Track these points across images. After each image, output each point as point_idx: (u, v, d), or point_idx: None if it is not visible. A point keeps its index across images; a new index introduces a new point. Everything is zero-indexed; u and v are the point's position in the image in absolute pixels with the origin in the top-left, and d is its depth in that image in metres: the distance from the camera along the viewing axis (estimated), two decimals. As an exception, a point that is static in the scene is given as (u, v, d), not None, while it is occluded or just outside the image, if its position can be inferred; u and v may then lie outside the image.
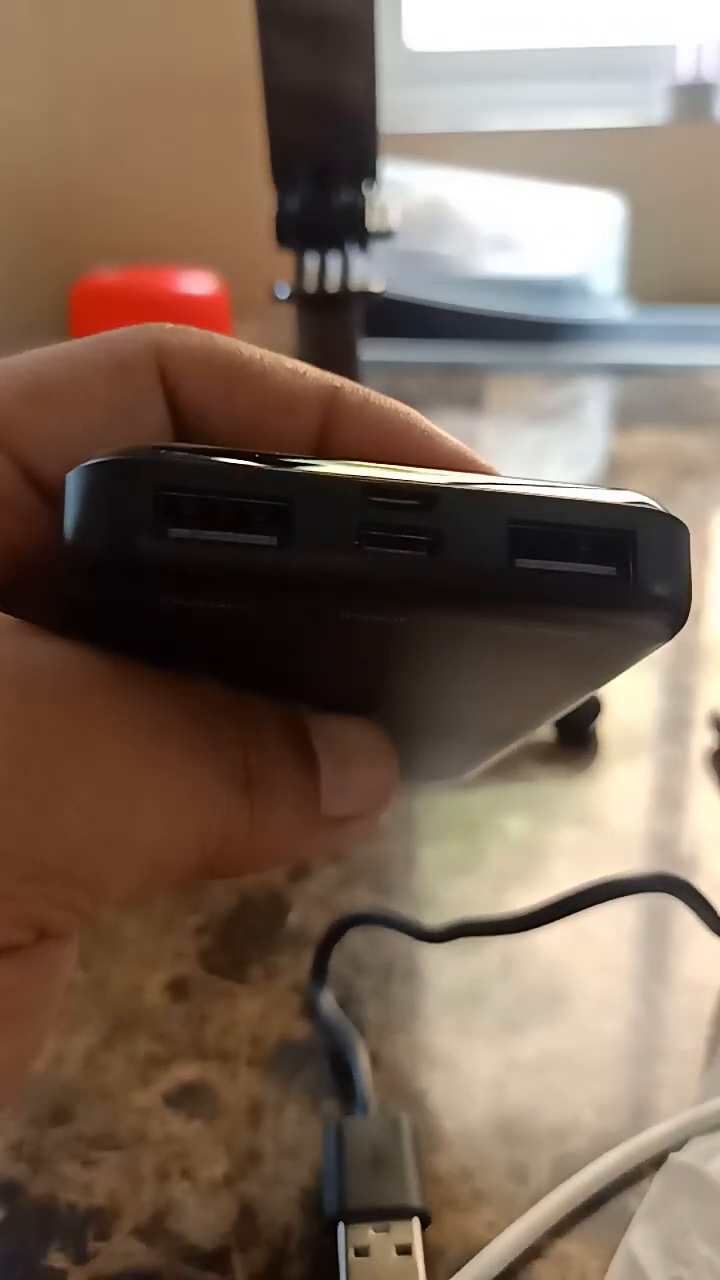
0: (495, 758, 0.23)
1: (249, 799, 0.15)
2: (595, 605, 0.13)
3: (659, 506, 0.13)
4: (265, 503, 0.12)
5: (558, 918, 0.27)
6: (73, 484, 0.13)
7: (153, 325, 0.16)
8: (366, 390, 0.16)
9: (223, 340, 0.16)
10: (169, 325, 0.16)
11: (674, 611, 0.13)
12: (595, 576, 0.13)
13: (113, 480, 0.12)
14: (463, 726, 0.20)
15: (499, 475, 0.14)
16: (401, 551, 0.13)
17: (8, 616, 0.14)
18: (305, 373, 0.16)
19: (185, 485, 0.12)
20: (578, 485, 0.14)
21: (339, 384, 0.16)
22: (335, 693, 0.16)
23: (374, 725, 0.17)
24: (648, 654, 0.15)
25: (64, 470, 0.15)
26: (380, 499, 0.13)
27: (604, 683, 0.17)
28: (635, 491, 0.14)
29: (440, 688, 0.17)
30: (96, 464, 0.13)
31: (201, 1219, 0.23)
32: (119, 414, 0.16)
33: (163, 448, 0.13)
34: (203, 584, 0.12)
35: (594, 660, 0.15)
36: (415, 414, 0.16)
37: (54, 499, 0.15)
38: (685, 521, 0.14)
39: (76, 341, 0.16)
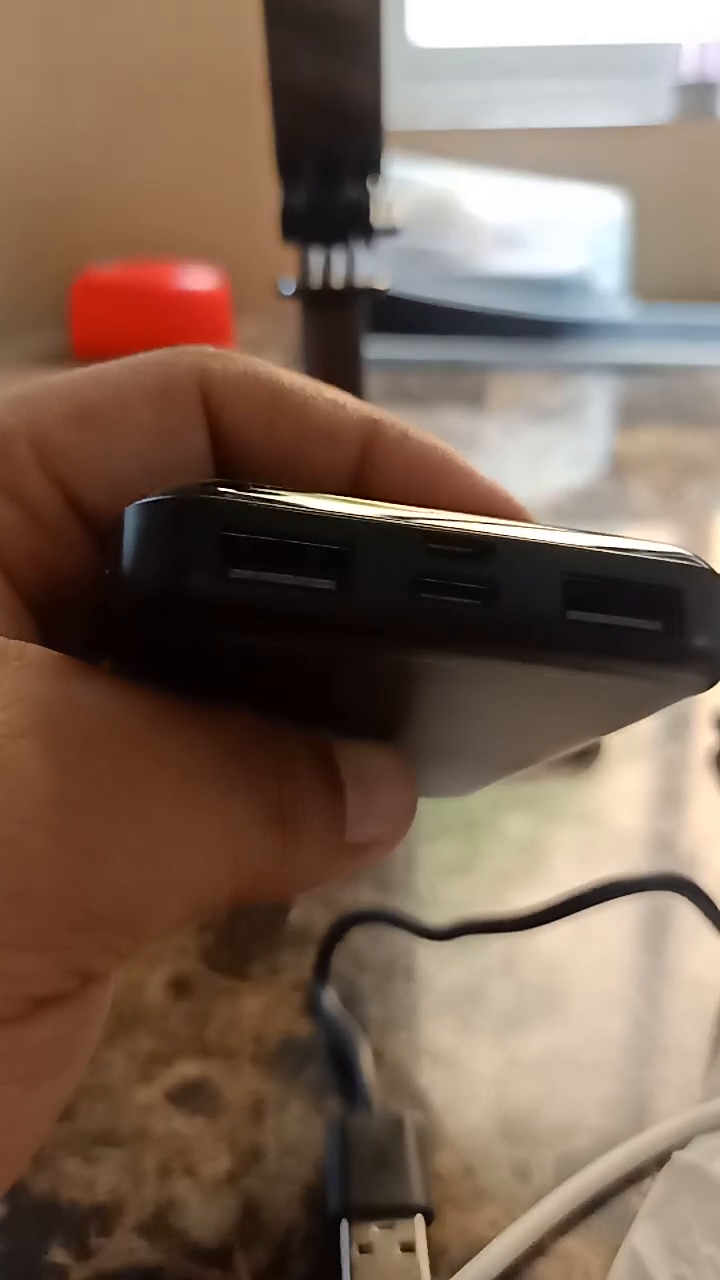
0: (506, 780, 0.23)
1: (282, 831, 0.15)
2: (642, 658, 0.13)
3: (702, 563, 0.14)
4: (326, 547, 0.13)
5: (562, 916, 0.27)
6: (132, 519, 0.13)
7: (194, 348, 0.16)
8: (405, 425, 0.17)
9: (265, 367, 0.16)
10: (211, 349, 0.16)
11: (715, 665, 0.14)
12: (643, 631, 0.13)
13: (176, 519, 0.12)
14: (482, 752, 0.20)
15: (547, 524, 0.14)
16: (457, 599, 0.13)
17: (51, 653, 0.14)
18: (346, 404, 0.16)
19: (248, 527, 0.12)
20: (624, 537, 0.14)
21: (379, 417, 0.16)
22: (363, 719, 0.16)
23: (396, 750, 0.17)
24: (678, 700, 0.15)
25: (105, 494, 0.15)
26: (438, 547, 0.13)
27: (631, 723, 0.17)
28: (677, 545, 0.14)
29: (470, 719, 0.17)
30: (158, 501, 0.13)
31: (204, 1216, 0.23)
32: (162, 439, 0.16)
33: (220, 485, 0.13)
34: (259, 624, 0.12)
35: (626, 704, 0.16)
36: (451, 450, 0.17)
37: (94, 524, 0.15)
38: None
39: (119, 362, 0.16)
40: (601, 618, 0.13)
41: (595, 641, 0.13)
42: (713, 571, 0.14)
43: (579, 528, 0.14)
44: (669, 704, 0.15)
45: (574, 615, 0.13)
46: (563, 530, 0.14)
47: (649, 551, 0.14)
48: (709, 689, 0.14)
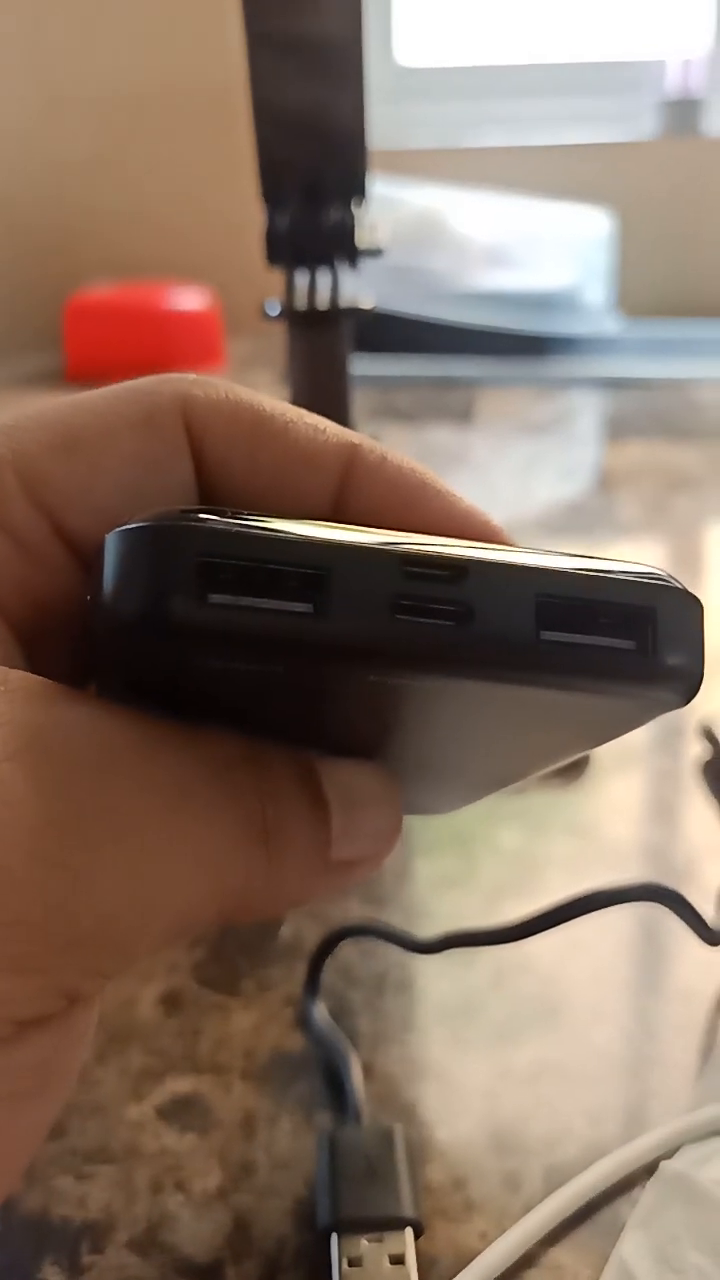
0: (492, 796, 0.23)
1: (267, 851, 0.15)
2: (616, 677, 0.14)
3: (676, 583, 0.14)
4: (303, 571, 0.13)
5: (548, 927, 0.27)
6: (112, 546, 0.13)
7: (177, 376, 0.16)
8: (384, 449, 0.17)
9: (246, 394, 0.16)
10: (193, 376, 0.17)
11: (689, 683, 0.14)
12: (617, 650, 0.14)
13: (154, 545, 0.13)
14: (466, 769, 0.20)
15: (521, 546, 0.15)
16: (432, 621, 0.13)
17: (37, 679, 0.14)
18: (326, 429, 0.17)
19: (225, 552, 0.13)
20: (598, 558, 0.14)
21: (358, 442, 0.17)
22: (346, 738, 0.17)
23: (380, 768, 0.17)
24: (656, 717, 0.15)
25: (90, 522, 0.15)
26: (413, 569, 0.13)
27: (611, 739, 0.17)
28: (652, 565, 0.14)
29: (451, 738, 0.17)
30: (137, 528, 0.13)
31: (195, 1231, 0.23)
32: (145, 466, 0.16)
33: (200, 512, 0.13)
34: (238, 648, 0.13)
35: (605, 721, 0.16)
36: (430, 473, 0.17)
37: (79, 551, 0.16)
38: (700, 597, 0.14)
39: (103, 391, 0.16)
40: (575, 638, 0.13)
41: (569, 661, 0.14)
42: (685, 591, 0.14)
43: (556, 549, 0.14)
44: (647, 720, 0.16)
45: (548, 635, 0.13)
46: (538, 552, 0.14)
47: (622, 572, 0.14)
48: (685, 705, 0.14)
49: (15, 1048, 0.13)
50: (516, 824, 0.37)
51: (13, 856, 0.12)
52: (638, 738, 0.42)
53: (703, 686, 0.14)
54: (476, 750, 0.19)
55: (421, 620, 0.13)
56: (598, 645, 0.14)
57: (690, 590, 0.14)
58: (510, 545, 0.15)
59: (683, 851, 0.36)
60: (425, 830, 0.37)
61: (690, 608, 0.14)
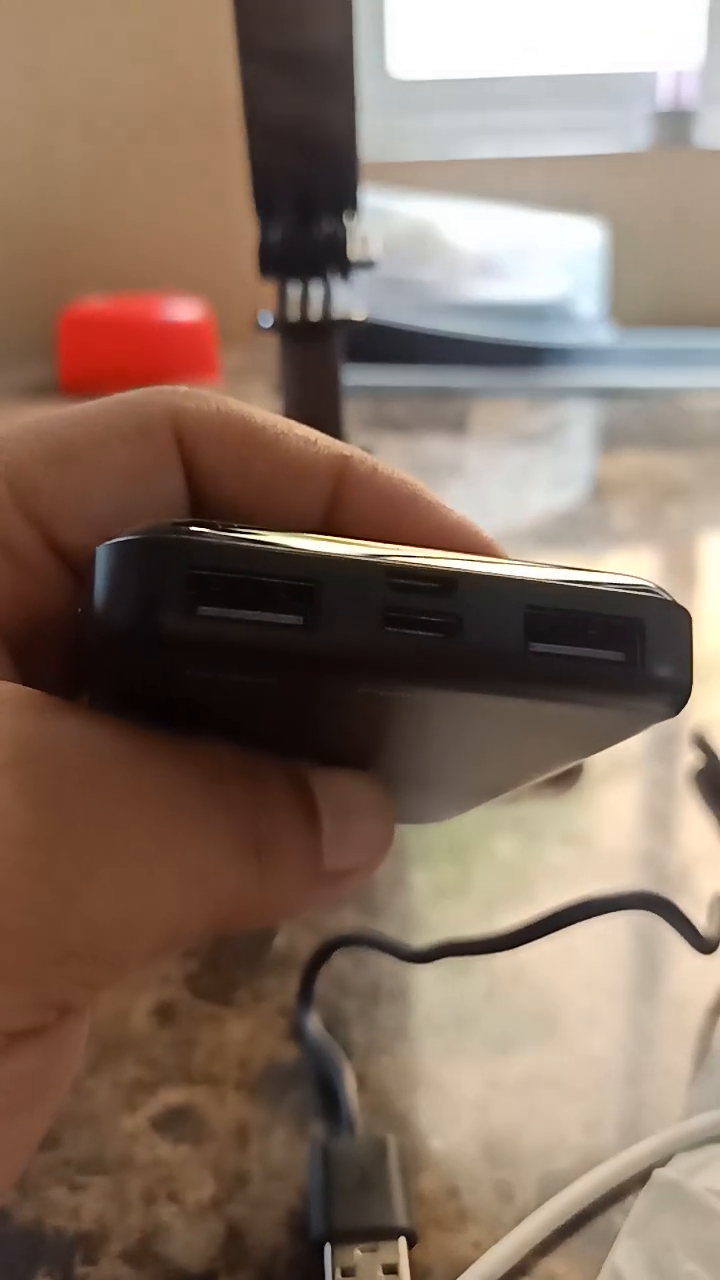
0: (483, 806, 0.23)
1: (258, 861, 0.15)
2: (605, 688, 0.14)
3: (664, 594, 0.14)
4: (292, 583, 0.13)
5: (540, 936, 0.27)
6: (103, 559, 0.13)
7: (169, 389, 0.16)
8: (375, 460, 0.17)
9: (237, 406, 0.17)
10: (185, 389, 0.17)
11: (678, 694, 0.14)
12: (605, 661, 0.14)
13: (144, 558, 0.13)
14: (458, 779, 0.21)
15: (511, 558, 0.15)
16: (421, 633, 0.13)
17: (28, 690, 0.14)
18: (317, 441, 0.17)
19: (215, 565, 0.13)
20: (587, 570, 0.14)
21: (349, 453, 0.17)
22: (337, 748, 0.17)
23: (372, 778, 0.17)
24: (647, 727, 0.15)
25: (83, 534, 0.15)
26: (402, 581, 0.13)
27: (602, 749, 0.17)
28: (640, 577, 0.14)
29: (442, 748, 0.17)
30: (127, 540, 0.13)
31: (189, 1242, 0.23)
32: (137, 478, 0.16)
33: (190, 524, 0.13)
34: (228, 660, 0.13)
35: (596, 731, 0.16)
36: (421, 485, 0.17)
37: (72, 563, 0.16)
38: (688, 609, 0.14)
39: (95, 403, 0.16)
40: (564, 649, 0.14)
41: (558, 673, 0.14)
42: (673, 602, 0.14)
43: (545, 561, 0.14)
44: (638, 730, 0.16)
45: (536, 647, 0.13)
46: (527, 564, 0.14)
47: (610, 584, 0.14)
48: (674, 715, 0.15)
49: (6, 1059, 0.14)
50: (511, 833, 0.37)
51: (2, 868, 0.12)
52: (632, 746, 0.43)
53: (692, 696, 0.14)
54: (468, 760, 0.19)
55: (411, 632, 0.13)
56: (586, 657, 0.14)
57: (678, 601, 0.14)
58: (500, 557, 0.15)
59: (677, 860, 0.36)
60: (420, 840, 0.37)
61: (678, 619, 0.14)
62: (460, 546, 0.16)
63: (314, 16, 0.42)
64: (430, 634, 0.13)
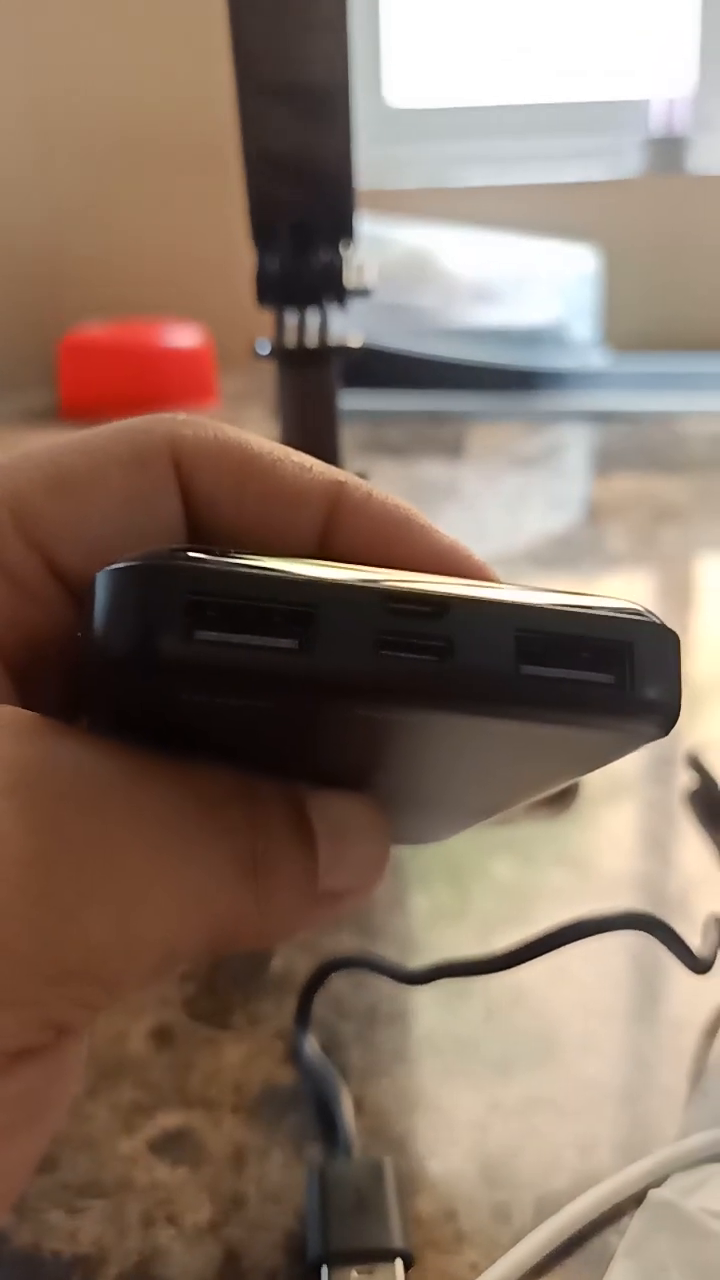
0: (480, 825, 0.23)
1: (255, 883, 0.15)
2: (595, 710, 0.14)
3: (653, 618, 0.15)
4: (288, 608, 0.13)
5: (534, 956, 0.27)
6: (102, 585, 0.13)
7: (167, 416, 0.17)
8: (369, 486, 0.17)
9: (234, 433, 0.17)
10: (182, 417, 0.17)
11: (666, 715, 0.14)
12: (595, 683, 0.14)
13: (143, 583, 0.13)
14: (453, 799, 0.21)
15: (501, 582, 0.15)
16: (414, 656, 0.13)
17: (29, 714, 0.14)
18: (312, 467, 0.17)
19: (212, 590, 0.13)
20: (577, 594, 0.15)
21: (343, 479, 0.17)
22: (333, 770, 0.17)
23: (368, 800, 0.17)
24: (637, 748, 0.16)
25: (83, 559, 0.16)
26: (395, 606, 0.14)
27: (593, 770, 0.17)
28: (630, 601, 0.15)
29: (436, 769, 0.18)
30: (126, 566, 0.13)
31: (187, 1264, 0.23)
32: (136, 504, 0.16)
33: (188, 550, 0.13)
34: (225, 683, 0.13)
35: (587, 752, 0.16)
36: (413, 510, 0.17)
37: (72, 587, 0.16)
38: (676, 631, 0.15)
39: (94, 431, 0.17)
40: (554, 672, 0.14)
41: (548, 695, 0.14)
42: (662, 625, 0.15)
43: (537, 585, 0.15)
44: (629, 751, 0.16)
45: (527, 670, 0.14)
46: (519, 588, 0.14)
47: (601, 608, 0.14)
48: (664, 736, 0.15)
49: (5, 1079, 0.14)
50: (509, 855, 0.37)
51: (1, 889, 0.13)
52: (628, 767, 0.43)
53: (686, 717, 0.15)
54: (462, 781, 0.19)
55: (404, 655, 0.13)
56: (576, 679, 0.14)
57: (667, 625, 0.15)
58: (492, 581, 0.15)
59: (674, 881, 0.36)
60: (417, 862, 0.37)
61: (667, 642, 0.14)
62: (453, 570, 0.16)
63: (311, 49, 0.43)
64: (423, 657, 0.13)
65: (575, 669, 0.14)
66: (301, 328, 0.44)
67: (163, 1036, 0.29)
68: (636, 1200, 0.23)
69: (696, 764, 0.41)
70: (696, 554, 0.68)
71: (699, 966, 0.28)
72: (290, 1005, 0.30)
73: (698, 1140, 0.25)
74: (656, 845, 0.38)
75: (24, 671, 0.16)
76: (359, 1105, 0.27)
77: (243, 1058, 0.28)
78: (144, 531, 0.16)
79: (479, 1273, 0.22)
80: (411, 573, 0.14)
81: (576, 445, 0.99)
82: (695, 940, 0.28)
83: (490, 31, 1.45)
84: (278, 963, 0.32)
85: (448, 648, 0.14)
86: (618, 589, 0.62)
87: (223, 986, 0.31)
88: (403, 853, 0.38)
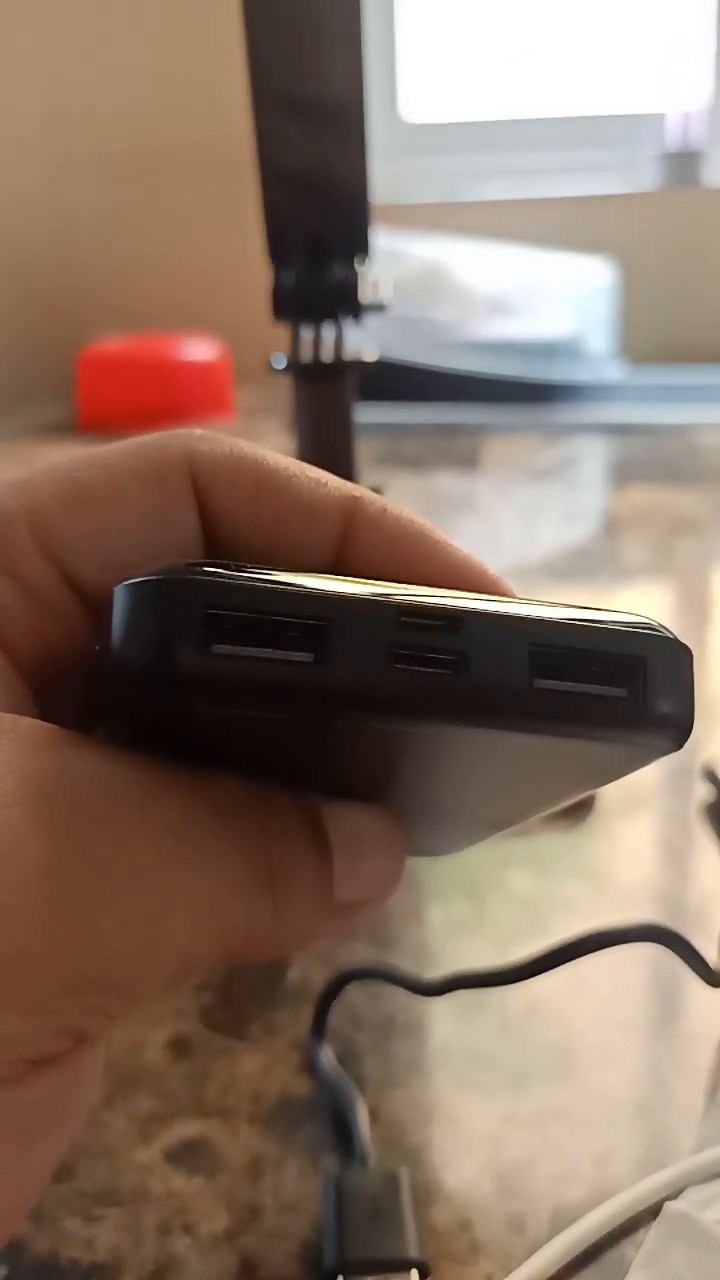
0: (494, 837, 0.23)
1: (271, 893, 0.15)
2: (608, 724, 0.14)
3: (667, 632, 0.15)
4: (304, 621, 0.13)
5: (549, 968, 0.27)
6: (120, 599, 0.14)
7: (184, 432, 0.17)
8: (384, 501, 0.17)
9: (250, 449, 0.17)
10: (199, 432, 0.17)
11: (679, 729, 0.15)
12: (608, 697, 0.14)
13: (160, 597, 0.13)
14: (467, 812, 0.21)
15: (516, 596, 0.15)
16: (428, 670, 0.14)
17: (47, 725, 0.14)
18: (328, 483, 0.17)
19: (229, 604, 0.13)
20: (591, 608, 0.15)
21: (358, 494, 0.17)
22: (348, 782, 0.17)
23: (382, 811, 0.17)
24: (650, 762, 0.16)
25: (100, 573, 0.16)
26: (409, 620, 0.14)
27: (608, 783, 0.18)
28: (643, 615, 0.15)
29: (451, 781, 0.18)
30: (144, 581, 0.13)
31: (202, 1273, 0.23)
32: (153, 520, 0.16)
33: (204, 565, 0.14)
34: (241, 696, 0.13)
35: (601, 766, 0.16)
36: (428, 525, 0.17)
37: (89, 601, 0.16)
38: (690, 646, 0.15)
39: (112, 447, 0.17)
40: (568, 686, 0.14)
41: (562, 709, 0.14)
42: (676, 640, 0.15)
43: (551, 599, 0.15)
44: (642, 764, 0.16)
45: (541, 684, 0.14)
46: (533, 602, 0.15)
47: (614, 622, 0.15)
48: (677, 750, 0.15)
49: (22, 1087, 0.14)
50: (524, 867, 0.37)
51: (19, 898, 0.13)
52: (644, 780, 0.43)
53: (702, 730, 0.15)
54: (476, 793, 0.20)
55: (418, 669, 0.14)
56: (590, 693, 0.14)
57: (680, 639, 0.15)
58: (506, 595, 0.15)
59: (691, 893, 0.36)
60: (433, 874, 0.37)
61: (680, 656, 0.15)
62: (467, 585, 0.17)
63: (326, 64, 0.44)
64: (437, 670, 0.14)
65: (589, 683, 0.14)
66: (317, 342, 0.44)
67: (179, 1046, 0.29)
68: (652, 1213, 0.23)
69: (713, 777, 0.41)
70: (713, 566, 0.68)
71: (714, 979, 0.28)
72: (306, 1016, 0.30)
73: (714, 1153, 0.24)
74: (673, 858, 0.38)
75: (42, 684, 0.16)
76: (374, 1116, 0.27)
77: (259, 1068, 0.29)
78: (161, 546, 0.17)
79: (494, 1284, 0.22)
80: (426, 587, 0.14)
81: (592, 458, 0.99)
82: (712, 953, 0.28)
83: (505, 46, 1.46)
84: (294, 973, 0.32)
85: (462, 662, 0.14)
86: (634, 601, 0.62)
87: (239, 997, 0.31)
88: (418, 864, 0.38)
